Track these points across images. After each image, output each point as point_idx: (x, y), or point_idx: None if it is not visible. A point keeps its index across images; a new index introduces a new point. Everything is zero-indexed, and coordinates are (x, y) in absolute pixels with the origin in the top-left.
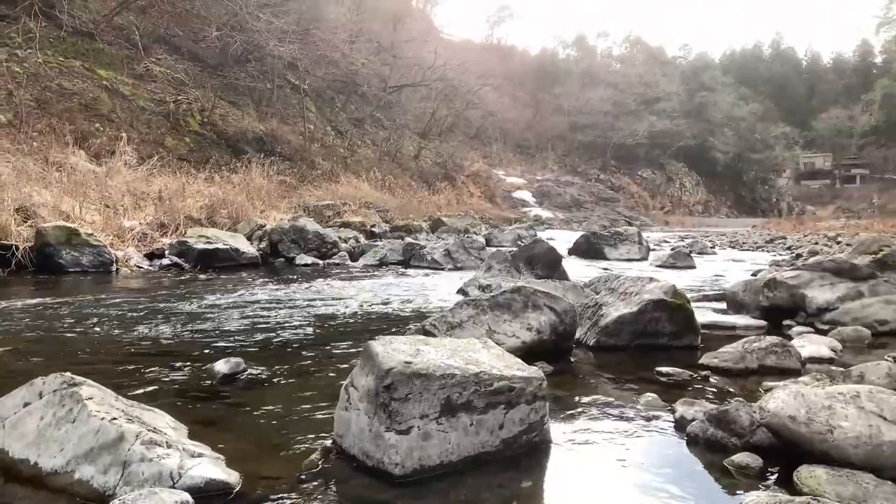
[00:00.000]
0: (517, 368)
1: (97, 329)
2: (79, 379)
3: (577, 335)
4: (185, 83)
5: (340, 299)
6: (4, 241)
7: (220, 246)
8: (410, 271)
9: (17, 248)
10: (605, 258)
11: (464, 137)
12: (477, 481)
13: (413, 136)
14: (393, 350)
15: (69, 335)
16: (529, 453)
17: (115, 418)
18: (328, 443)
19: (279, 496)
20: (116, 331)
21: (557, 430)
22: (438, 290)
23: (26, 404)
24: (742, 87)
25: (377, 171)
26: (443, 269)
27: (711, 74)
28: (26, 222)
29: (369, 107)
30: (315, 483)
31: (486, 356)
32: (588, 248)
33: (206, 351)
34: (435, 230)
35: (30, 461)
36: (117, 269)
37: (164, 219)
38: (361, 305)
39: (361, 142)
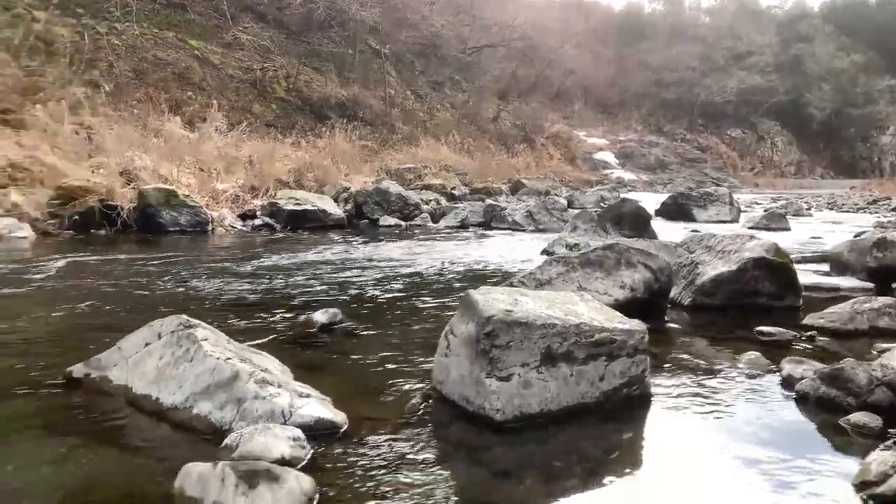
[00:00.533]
0: (618, 321)
1: (197, 283)
2: (194, 321)
3: (671, 295)
4: (270, 51)
5: (425, 258)
6: (111, 202)
7: (309, 207)
8: (491, 233)
9: (122, 209)
10: (694, 220)
11: (544, 98)
12: (576, 431)
13: (492, 97)
14: (492, 299)
15: (172, 288)
16: (629, 406)
17: (228, 358)
18: (427, 388)
19: (384, 437)
20: (216, 284)
21: (657, 386)
22: (521, 250)
23: (146, 344)
24: (843, 37)
25: (456, 135)
26: (524, 231)
27: (810, 23)
28: (129, 184)
29: (448, 69)
30: (417, 426)
31: (585, 309)
32: (675, 210)
33: (301, 304)
34: (515, 192)
35: (151, 397)
36: (213, 228)
37: (254, 182)
38: (445, 264)
39: (440, 105)
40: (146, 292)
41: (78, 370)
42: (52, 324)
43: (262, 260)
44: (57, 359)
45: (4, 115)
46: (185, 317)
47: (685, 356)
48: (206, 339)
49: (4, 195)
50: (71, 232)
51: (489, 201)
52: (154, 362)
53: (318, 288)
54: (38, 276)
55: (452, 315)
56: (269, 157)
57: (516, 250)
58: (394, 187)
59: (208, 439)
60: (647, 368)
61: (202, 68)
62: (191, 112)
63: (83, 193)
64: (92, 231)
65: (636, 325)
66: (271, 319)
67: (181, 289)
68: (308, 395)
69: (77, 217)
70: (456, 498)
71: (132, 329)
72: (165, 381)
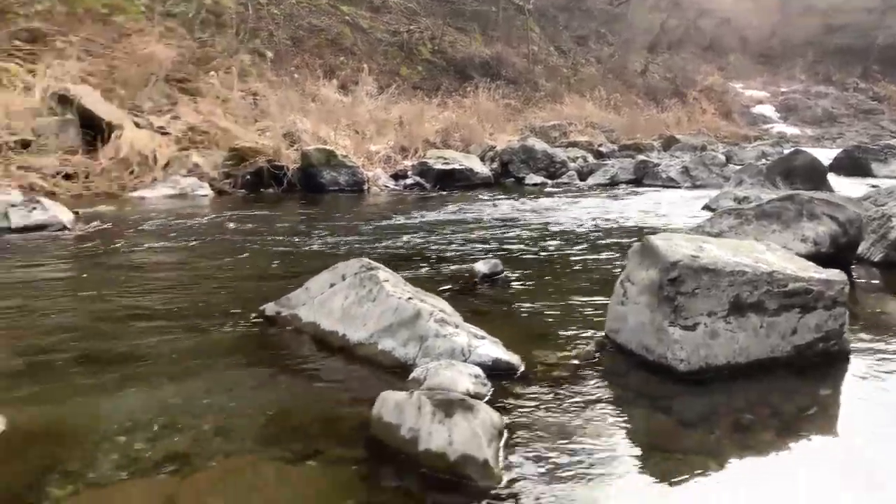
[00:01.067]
0: (814, 271)
1: (359, 237)
2: (374, 264)
3: (859, 250)
4: (416, 13)
5: (576, 214)
6: (278, 163)
7: (457, 166)
8: (643, 189)
9: (288, 169)
10: (873, 175)
11: (696, 49)
12: (766, 386)
13: (639, 50)
14: (675, 245)
15: (337, 240)
16: (825, 363)
17: (409, 298)
18: (600, 336)
19: (561, 381)
20: (376, 238)
21: (856, 342)
22: (679, 206)
23: (331, 285)
24: None
25: (602, 90)
26: (679, 187)
27: None
28: (292, 146)
29: (593, 22)
30: (593, 372)
31: (773, 258)
32: (850, 165)
33: (458, 256)
34: (667, 148)
35: (338, 333)
36: (368, 188)
37: (404, 143)
38: (598, 219)
39: (585, 60)
40: (315, 244)
41: (270, 308)
42: (239, 269)
43: (416, 216)
44: (248, 299)
45: (182, 83)
46: (366, 259)
47: (882, 314)
48: (387, 281)
49: (187, 157)
50: (244, 191)
51: (640, 157)
52: (339, 301)
53: (473, 242)
54: (219, 229)
55: (617, 265)
56: (418, 119)
57: (675, 206)
58: (539, 145)
59: (394, 373)
60: (845, 323)
61: (353, 33)
62: (343, 76)
63: (253, 154)
64: (261, 190)
65: (835, 275)
66: (432, 270)
67: (345, 242)
68: (483, 337)
69: (249, 177)
70: (641, 442)
71: (309, 275)
72: (350, 319)
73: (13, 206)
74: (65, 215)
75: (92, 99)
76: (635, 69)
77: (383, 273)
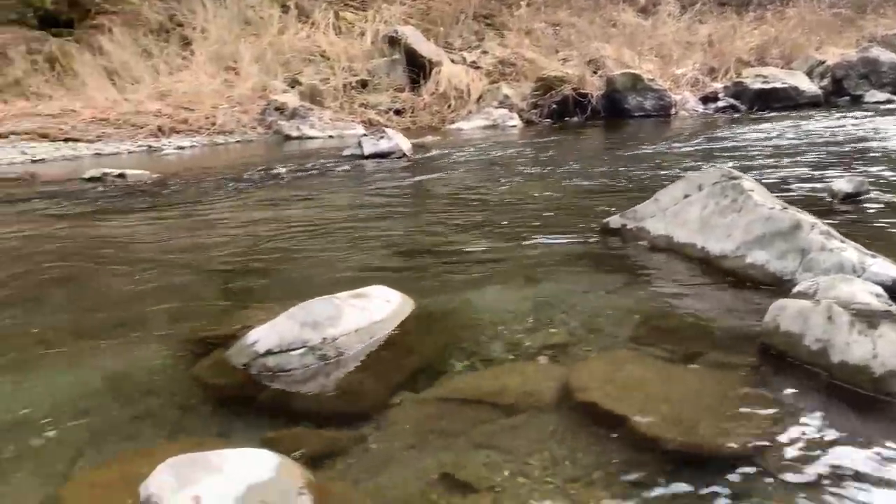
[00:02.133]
0: None
1: (678, 158)
2: (737, 173)
3: None
4: None
5: None
6: (582, 91)
7: (778, 85)
8: None
9: (591, 97)
10: None
11: None
12: None
13: None
14: None
15: (653, 162)
16: None
17: (784, 208)
18: None
19: None
20: (700, 156)
21: None
22: None
23: (685, 196)
24: None
25: None
26: None
27: None
28: (595, 73)
29: None
30: None
31: None
32: None
33: (808, 176)
34: None
35: (696, 245)
36: (675, 112)
37: (713, 63)
38: None
39: None
40: (629, 166)
41: (615, 221)
42: (563, 189)
43: (733, 138)
44: (583, 215)
45: (487, 18)
46: (727, 168)
47: None
48: (752, 190)
49: (497, 89)
50: (549, 120)
51: None
52: (696, 212)
53: (815, 164)
54: (533, 154)
55: None
56: (729, 37)
57: None
58: (885, 55)
59: (766, 287)
60: None
61: None
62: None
63: (559, 84)
64: (566, 119)
65: None
66: (776, 191)
67: (662, 162)
68: (874, 255)
69: (555, 105)
70: None
71: (637, 193)
72: (710, 230)
73: (366, 136)
74: (405, 144)
75: (415, 39)
76: None
77: (748, 182)
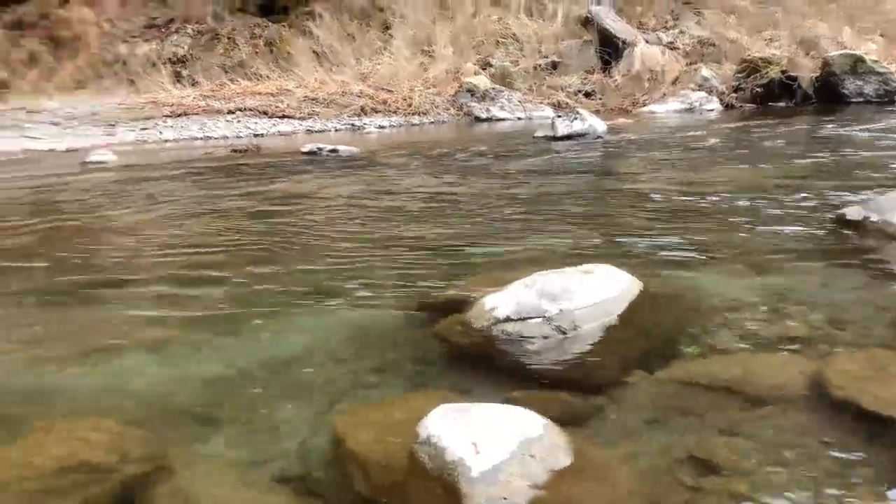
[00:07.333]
0: None
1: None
2: None
3: None
4: None
5: None
6: (791, 73)
7: None
8: None
9: (802, 80)
10: None
11: None
12: None
13: None
14: None
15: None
16: None
17: None
18: None
19: None
20: None
21: None
22: None
23: None
24: None
25: None
26: None
27: None
28: (807, 54)
29: None
30: None
31: None
32: None
33: None
34: None
35: None
36: None
37: None
38: None
39: None
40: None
41: (853, 212)
42: (789, 175)
43: None
44: (814, 201)
45: None
46: None
47: None
48: None
49: (695, 70)
50: (752, 105)
51: None
52: None
53: None
54: (736, 141)
55: None
56: None
57: None
58: None
59: None
60: None
61: None
62: None
63: (765, 66)
64: (770, 103)
65: None
66: None
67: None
68: None
69: (759, 89)
70: None
71: (853, 183)
72: None
73: (559, 117)
74: (600, 126)
75: (609, 18)
76: None
77: None
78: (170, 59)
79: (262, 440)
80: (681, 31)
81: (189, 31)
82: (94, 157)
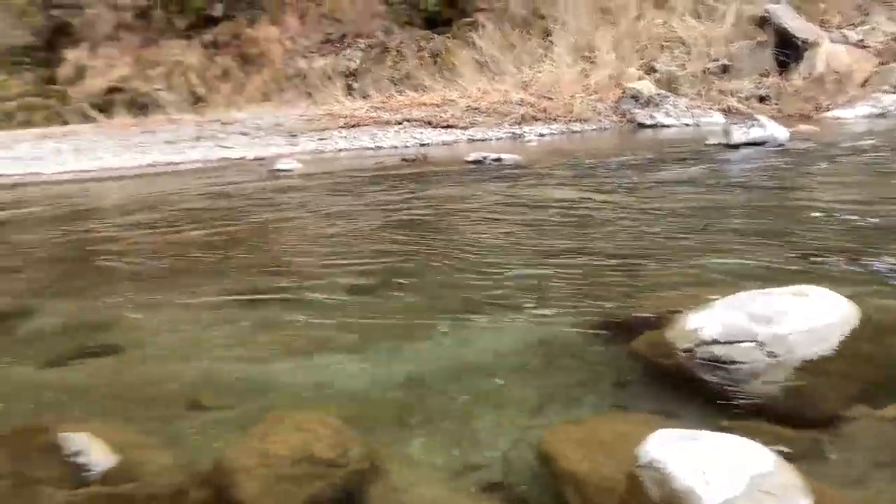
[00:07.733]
0: None
1: None
2: None
3: None
4: None
5: None
6: None
7: None
8: None
9: None
10: None
11: None
12: None
13: None
14: None
15: None
16: None
17: None
18: None
19: None
20: None
21: None
22: None
23: None
24: None
25: None
26: None
27: None
28: None
29: None
30: None
31: None
32: None
33: None
34: None
35: None
36: None
37: None
38: None
39: None
40: None
41: None
42: None
43: None
44: None
45: None
46: None
47: None
48: None
49: (889, 70)
50: None
51: None
52: None
53: None
54: None
55: None
56: None
57: None
58: None
59: None
60: None
61: None
62: None
63: None
64: None
65: None
66: None
67: None
68: None
69: None
70: None
71: None
72: None
73: (734, 124)
74: (781, 133)
75: (788, 17)
76: None
77: None
78: (343, 72)
79: (464, 447)
80: (871, 28)
81: (361, 45)
82: (280, 166)
